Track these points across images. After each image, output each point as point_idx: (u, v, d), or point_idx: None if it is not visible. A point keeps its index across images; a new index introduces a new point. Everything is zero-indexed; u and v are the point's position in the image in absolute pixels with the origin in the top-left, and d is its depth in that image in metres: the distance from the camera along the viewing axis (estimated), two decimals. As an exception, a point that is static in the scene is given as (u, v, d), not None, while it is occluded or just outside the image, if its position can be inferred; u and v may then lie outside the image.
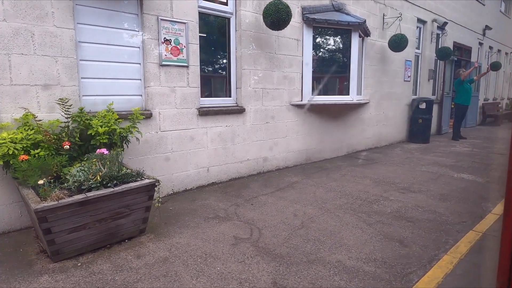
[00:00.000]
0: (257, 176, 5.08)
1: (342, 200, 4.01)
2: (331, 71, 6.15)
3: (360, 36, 6.34)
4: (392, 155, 6.88)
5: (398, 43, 6.96)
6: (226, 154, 4.70)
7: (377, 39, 7.21)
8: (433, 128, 9.97)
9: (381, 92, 7.60)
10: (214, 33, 4.70)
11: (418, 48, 9.08)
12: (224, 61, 4.75)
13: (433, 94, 10.13)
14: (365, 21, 5.78)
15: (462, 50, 11.29)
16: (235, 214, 3.55)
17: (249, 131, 4.94)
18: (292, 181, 4.83)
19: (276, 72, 5.20)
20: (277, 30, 4.71)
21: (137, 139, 3.61)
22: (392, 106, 8.07)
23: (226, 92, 4.82)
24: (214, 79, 4.82)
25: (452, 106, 9.23)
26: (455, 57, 10.55)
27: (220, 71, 4.81)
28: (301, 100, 5.66)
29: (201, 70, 4.44)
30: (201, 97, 4.45)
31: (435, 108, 9.87)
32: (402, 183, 4.75)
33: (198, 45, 4.21)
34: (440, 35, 9.87)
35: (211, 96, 4.70)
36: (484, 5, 12.64)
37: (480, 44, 12.69)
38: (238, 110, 4.74)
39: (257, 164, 5.15)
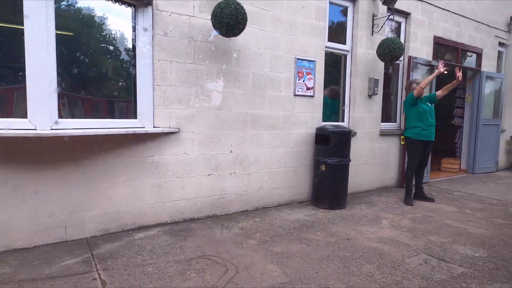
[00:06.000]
0: None
1: None
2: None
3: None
4: (186, 249, 3.26)
5: (219, 17, 3.48)
6: None
7: (196, 15, 3.81)
8: (391, 177, 5.94)
9: (224, 114, 4.08)
10: None
11: (343, 42, 5.35)
12: None
13: (389, 120, 6.13)
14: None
15: (458, 52, 7.09)
16: None
17: None
18: None
19: None
20: None
21: None
22: (262, 139, 4.44)
23: None
24: None
25: (402, 142, 5.19)
26: (436, 61, 6.47)
27: None
28: None
29: None
30: None
31: (389, 143, 5.86)
32: None
33: None
34: (392, 22, 5.99)
35: None
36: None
37: (502, 45, 8.22)
38: None
39: None
